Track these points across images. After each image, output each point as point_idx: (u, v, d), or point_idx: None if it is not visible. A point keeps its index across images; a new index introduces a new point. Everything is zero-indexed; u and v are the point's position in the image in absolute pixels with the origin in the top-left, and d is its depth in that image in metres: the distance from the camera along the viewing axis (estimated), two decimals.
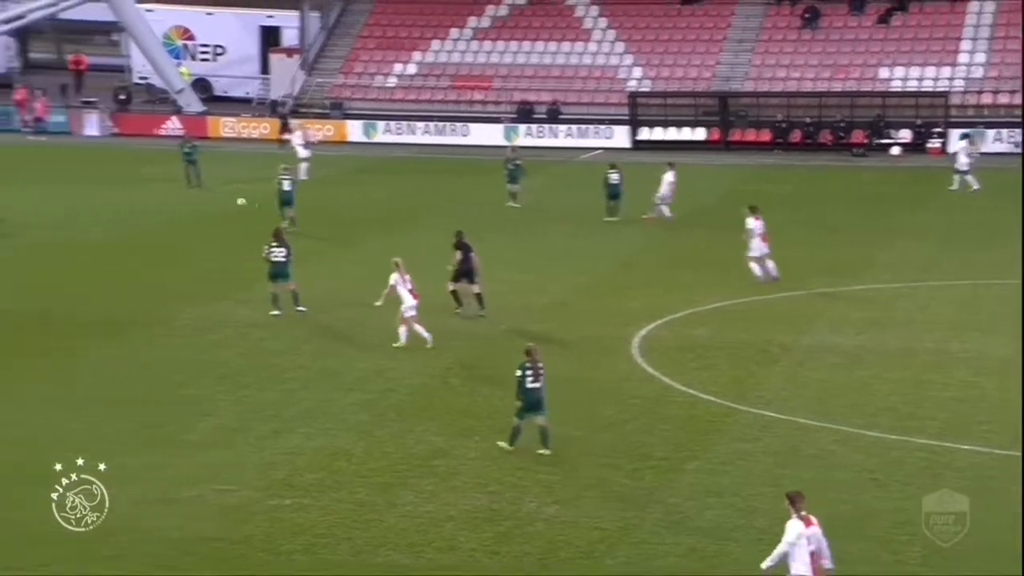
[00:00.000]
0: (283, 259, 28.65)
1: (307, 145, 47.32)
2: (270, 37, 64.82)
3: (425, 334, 26.45)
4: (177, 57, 63.29)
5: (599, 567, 17.32)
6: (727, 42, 59.13)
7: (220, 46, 64.90)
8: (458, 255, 28.66)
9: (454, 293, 28.82)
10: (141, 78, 63.47)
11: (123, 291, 30.99)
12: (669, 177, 39.55)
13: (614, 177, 40.22)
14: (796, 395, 24.20)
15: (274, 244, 28.74)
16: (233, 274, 31.14)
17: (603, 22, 60.40)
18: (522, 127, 55.69)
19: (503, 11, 61.43)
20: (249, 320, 28.45)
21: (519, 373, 20.98)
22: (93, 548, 17.37)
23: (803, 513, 15.15)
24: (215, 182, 44.69)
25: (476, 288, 28.79)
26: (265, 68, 63.45)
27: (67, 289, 31.17)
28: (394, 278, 26.51)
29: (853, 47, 57.37)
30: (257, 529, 18.23)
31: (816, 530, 15.13)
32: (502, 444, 21.04)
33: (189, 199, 42.59)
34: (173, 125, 57.31)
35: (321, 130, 55.42)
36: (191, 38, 65.07)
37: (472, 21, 61.08)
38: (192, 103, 60.14)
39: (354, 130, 57.17)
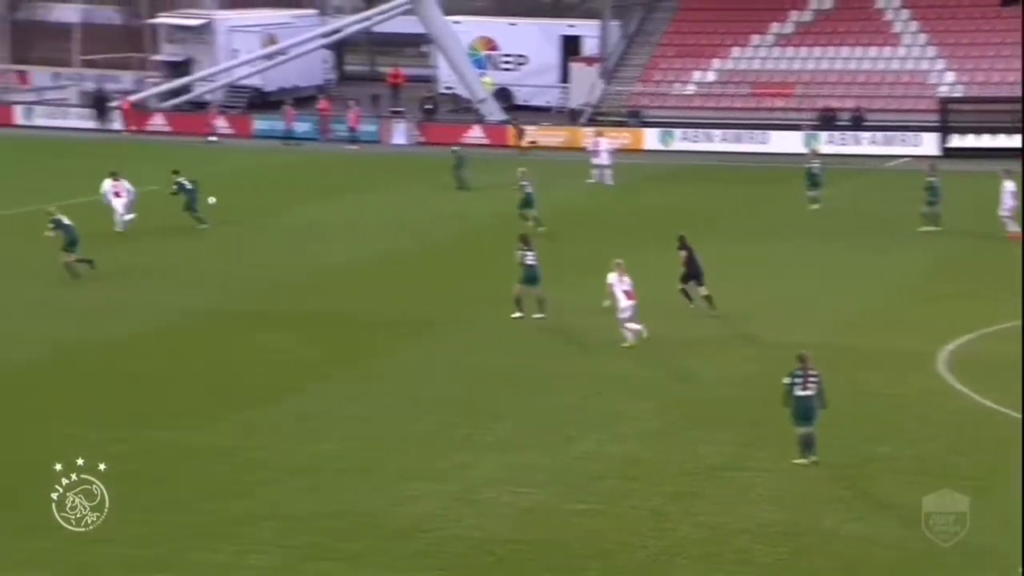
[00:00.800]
0: (534, 262, 29.04)
1: (597, 152, 47.85)
2: (571, 46, 65.62)
3: (629, 336, 26.69)
4: (481, 67, 64.85)
5: None
6: None
7: (522, 56, 66.14)
8: (683, 255, 29.14)
9: (683, 291, 29.22)
10: (447, 88, 65.41)
11: (426, 295, 31.88)
12: (1009, 186, 37.44)
13: (935, 180, 38.71)
14: None
15: (524, 248, 29.12)
16: None
17: (914, 25, 58.28)
18: (823, 134, 54.37)
19: (807, 16, 60.15)
20: (541, 324, 28.75)
21: (787, 380, 20.54)
22: (401, 544, 17.96)
23: None
24: (507, 188, 45.52)
25: (703, 290, 29.02)
26: (565, 77, 64.28)
27: (375, 293, 32.31)
28: (612, 278, 26.87)
29: None
30: (552, 533, 18.38)
31: None
32: (798, 461, 20.51)
33: (486, 205, 43.50)
34: (475, 134, 58.78)
35: (617, 138, 55.79)
36: (495, 48, 66.56)
37: (775, 27, 60.06)
38: (494, 112, 61.51)
39: (650, 138, 57.15)
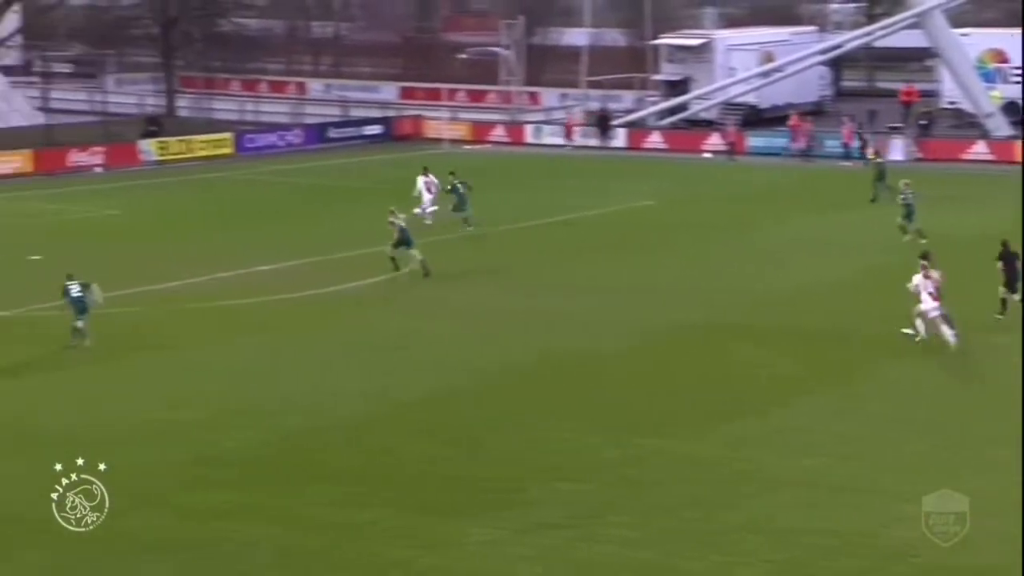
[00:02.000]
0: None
1: None
2: None
3: (951, 339, 27.15)
4: (990, 80, 61.99)
5: None
6: None
7: None
8: (1000, 264, 29.50)
9: (1003, 300, 29.60)
10: (950, 103, 63.04)
11: (908, 312, 30.84)
12: None
13: None
14: None
15: (928, 266, 27.96)
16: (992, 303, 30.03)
17: None
18: None
19: None
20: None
21: None
22: (890, 567, 17.63)
23: None
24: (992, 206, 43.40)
25: (1016, 296, 29.44)
26: None
27: (858, 309, 31.57)
28: (917, 279, 27.31)
29: None
30: None
31: None
32: None
33: (973, 222, 41.53)
34: (979, 150, 56.30)
35: None
36: (1005, 61, 63.32)
37: None
38: (1000, 127, 58.59)
39: None
